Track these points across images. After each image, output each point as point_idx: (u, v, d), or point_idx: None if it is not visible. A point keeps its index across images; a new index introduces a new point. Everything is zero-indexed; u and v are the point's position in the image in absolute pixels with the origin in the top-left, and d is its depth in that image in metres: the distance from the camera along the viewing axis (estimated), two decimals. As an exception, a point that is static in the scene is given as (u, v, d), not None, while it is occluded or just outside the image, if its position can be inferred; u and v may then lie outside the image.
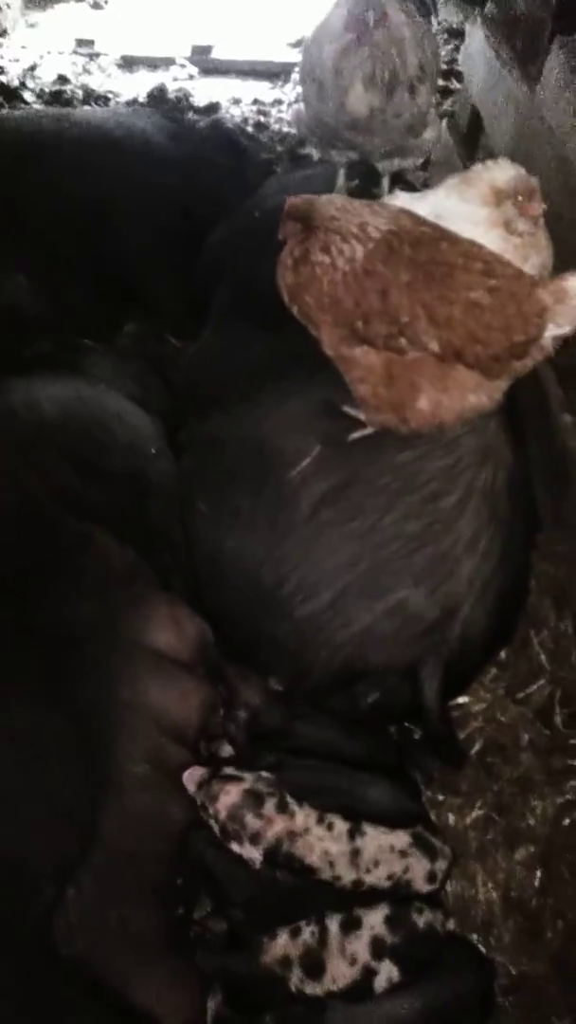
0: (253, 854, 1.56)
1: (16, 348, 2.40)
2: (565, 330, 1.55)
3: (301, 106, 2.25)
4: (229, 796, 1.60)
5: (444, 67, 4.11)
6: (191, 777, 1.65)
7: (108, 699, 1.64)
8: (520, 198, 1.71)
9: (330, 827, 1.60)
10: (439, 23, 4.48)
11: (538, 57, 2.15)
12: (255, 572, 1.78)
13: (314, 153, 2.41)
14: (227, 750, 1.80)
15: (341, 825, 1.61)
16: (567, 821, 1.76)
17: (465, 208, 1.71)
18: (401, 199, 1.78)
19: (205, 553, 1.89)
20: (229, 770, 1.66)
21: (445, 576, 1.75)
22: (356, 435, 1.81)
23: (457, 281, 1.54)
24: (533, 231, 1.73)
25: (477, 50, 2.59)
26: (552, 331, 1.54)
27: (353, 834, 1.60)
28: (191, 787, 1.65)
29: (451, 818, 1.85)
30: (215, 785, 1.62)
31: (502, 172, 1.72)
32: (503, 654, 2.01)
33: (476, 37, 2.60)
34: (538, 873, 1.73)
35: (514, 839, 1.79)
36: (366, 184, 2.46)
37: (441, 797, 1.90)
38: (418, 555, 1.74)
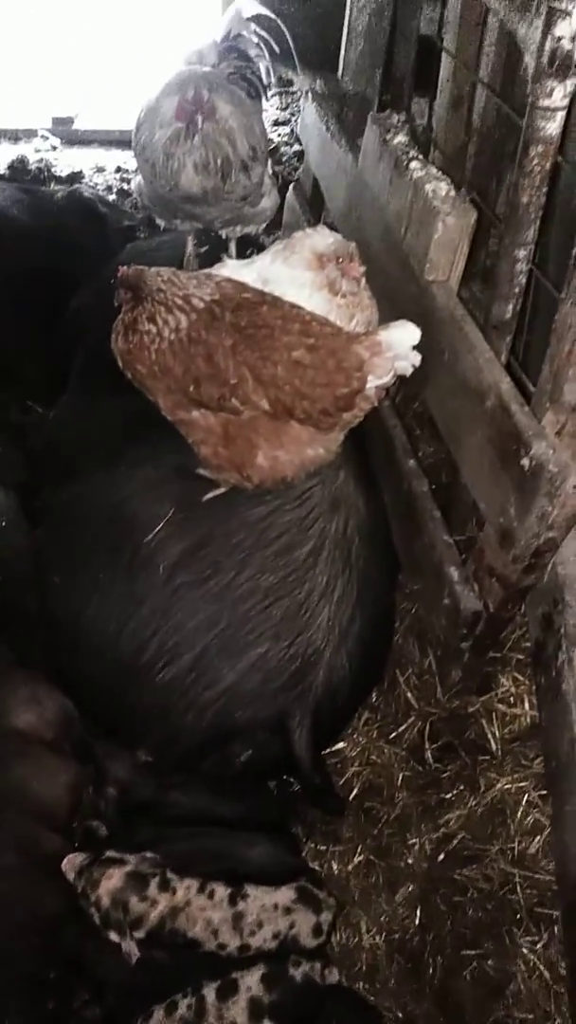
0: (131, 948, 1.53)
1: None
2: (385, 380, 1.63)
3: (140, 179, 2.32)
4: (111, 880, 1.56)
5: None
6: (71, 864, 1.60)
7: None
8: (342, 261, 1.81)
9: (211, 895, 1.58)
10: (294, 91, 4.72)
11: (362, 130, 2.30)
12: (115, 641, 1.77)
13: (160, 223, 2.48)
14: (101, 830, 1.76)
15: (222, 891, 1.59)
16: (442, 855, 1.79)
17: (290, 273, 1.79)
18: (229, 266, 1.85)
19: (63, 625, 1.87)
20: (111, 853, 1.61)
21: (303, 626, 1.78)
22: (209, 495, 1.84)
23: (278, 342, 1.62)
24: (356, 291, 1.83)
25: (311, 122, 2.74)
26: (373, 382, 1.62)
27: (235, 898, 1.58)
28: (71, 875, 1.59)
29: (334, 867, 1.86)
30: (96, 870, 1.58)
31: (321, 238, 1.82)
32: (374, 696, 2.04)
33: (309, 111, 2.76)
34: (418, 911, 1.75)
35: (395, 880, 1.81)
36: (215, 249, 2.54)
37: (323, 847, 1.90)
38: (275, 608, 1.77)
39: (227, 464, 1.73)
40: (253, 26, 2.52)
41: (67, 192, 3.28)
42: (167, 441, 1.90)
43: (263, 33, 2.54)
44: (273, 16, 2.53)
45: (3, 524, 1.99)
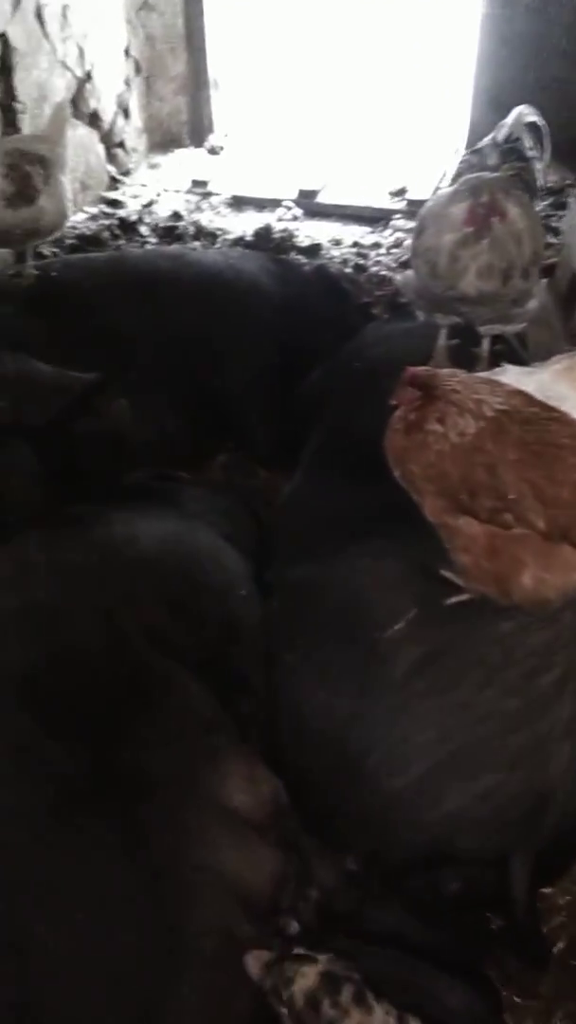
0: None
1: (116, 476, 2.49)
2: None
3: (411, 273, 2.35)
4: (306, 979, 1.47)
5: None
6: (256, 959, 1.53)
7: (183, 860, 1.56)
8: None
9: None
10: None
11: None
12: (341, 735, 1.73)
13: (419, 315, 2.50)
14: (293, 927, 1.69)
15: None
16: None
17: (576, 396, 1.73)
18: (510, 372, 1.81)
19: (289, 707, 1.85)
20: (299, 950, 1.52)
21: (542, 761, 1.66)
22: (453, 600, 1.78)
23: (566, 463, 1.55)
24: None
25: (578, 223, 2.70)
26: None
27: None
28: (255, 970, 1.53)
29: (531, 1027, 1.69)
30: (289, 966, 1.49)
31: (613, 362, 1.74)
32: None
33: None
34: None
35: (602, 1063, 1.62)
36: (466, 343, 2.52)
37: (519, 999, 1.74)
38: (515, 736, 1.66)
39: (487, 577, 1.67)
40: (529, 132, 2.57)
41: (315, 266, 3.41)
42: (410, 536, 1.87)
43: (538, 138, 2.58)
44: (544, 124, 2.55)
45: (243, 593, 2.01)
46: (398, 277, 3.05)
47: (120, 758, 1.67)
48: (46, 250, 3.74)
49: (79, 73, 4.46)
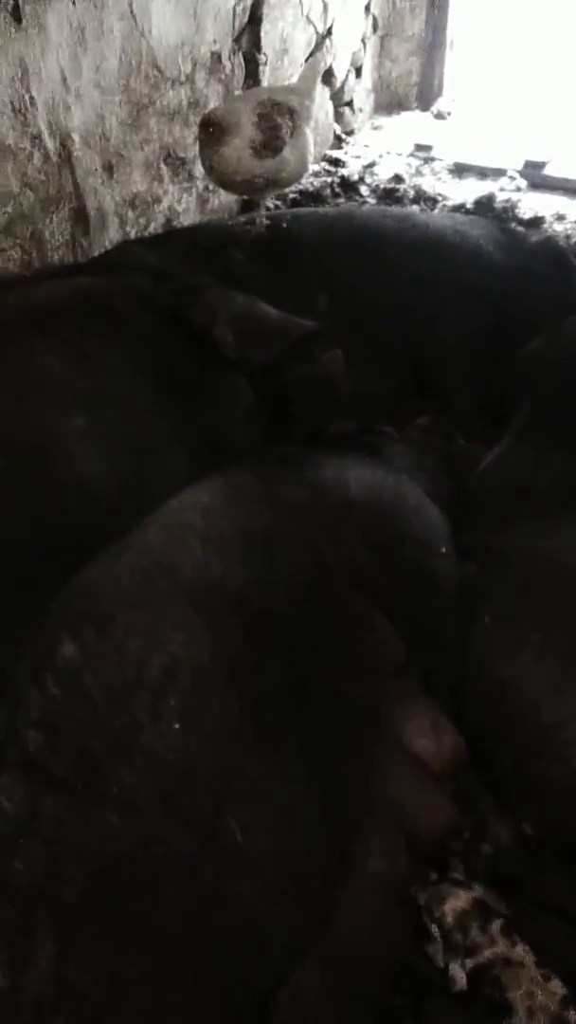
0: (459, 975, 1.48)
1: (324, 423, 2.55)
2: None
3: None
4: (458, 900, 1.54)
5: None
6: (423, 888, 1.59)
7: (364, 788, 1.63)
8: None
9: (547, 978, 1.47)
10: None
11: None
12: (535, 704, 1.71)
13: None
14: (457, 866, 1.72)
15: (558, 986, 1.46)
16: None
17: None
18: None
19: (481, 668, 1.85)
20: (456, 875, 1.60)
21: None
22: None
23: None
24: None
25: None
26: None
27: (568, 1003, 1.45)
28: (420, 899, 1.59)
29: None
30: (443, 888, 1.56)
31: None
32: None
33: None
34: None
35: None
36: None
37: None
38: None
39: None
40: None
41: (543, 238, 3.30)
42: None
43: None
44: None
45: (443, 549, 2.02)
46: None
47: (316, 686, 1.74)
48: (269, 203, 3.84)
49: (320, 29, 4.51)
